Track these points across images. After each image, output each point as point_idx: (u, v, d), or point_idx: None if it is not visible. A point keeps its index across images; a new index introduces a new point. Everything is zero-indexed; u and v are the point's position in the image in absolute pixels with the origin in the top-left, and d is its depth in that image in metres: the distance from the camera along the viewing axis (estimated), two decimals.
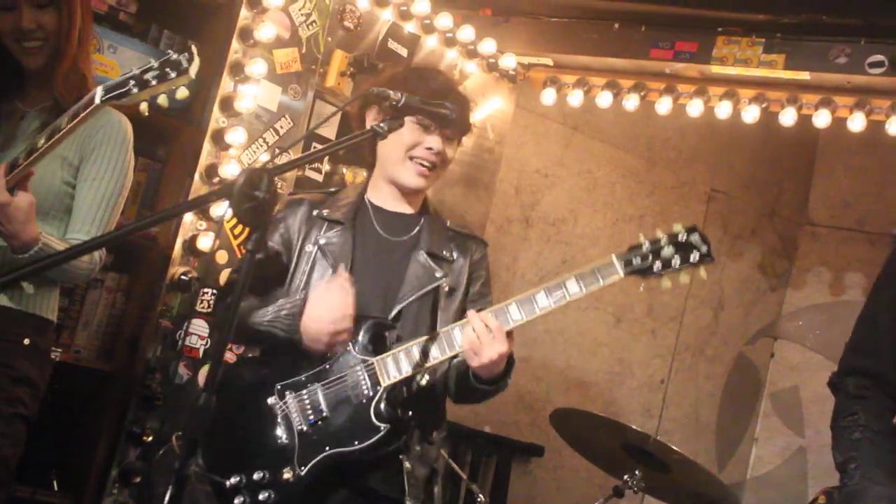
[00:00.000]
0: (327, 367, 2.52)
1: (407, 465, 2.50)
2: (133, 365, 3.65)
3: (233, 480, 2.45)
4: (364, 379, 2.47)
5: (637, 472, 3.63)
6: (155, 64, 2.29)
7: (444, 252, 2.66)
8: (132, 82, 2.30)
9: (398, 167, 2.65)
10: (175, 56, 2.29)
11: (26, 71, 2.70)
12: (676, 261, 2.35)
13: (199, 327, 3.73)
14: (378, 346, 2.52)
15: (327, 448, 2.45)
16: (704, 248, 2.35)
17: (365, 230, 2.66)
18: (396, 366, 2.47)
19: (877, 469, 2.29)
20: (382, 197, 2.72)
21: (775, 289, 5.55)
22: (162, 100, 2.34)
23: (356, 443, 2.44)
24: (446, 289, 2.62)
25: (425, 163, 2.63)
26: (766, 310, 5.53)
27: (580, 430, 3.88)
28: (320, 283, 2.56)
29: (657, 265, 2.36)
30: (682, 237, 2.36)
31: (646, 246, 2.38)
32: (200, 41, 3.89)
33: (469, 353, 2.42)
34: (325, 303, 2.47)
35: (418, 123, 2.60)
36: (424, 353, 2.45)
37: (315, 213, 2.68)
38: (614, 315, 5.13)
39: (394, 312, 2.56)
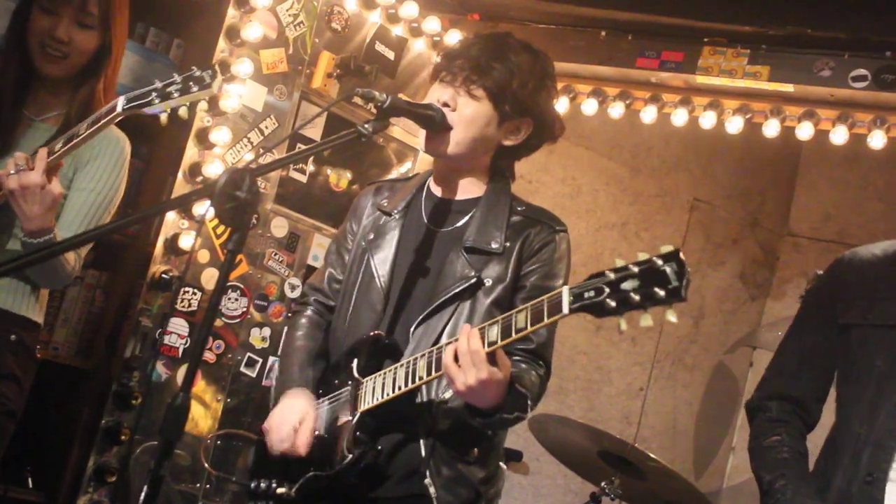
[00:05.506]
0: (336, 382, 2.36)
1: (432, 490, 2.23)
2: (111, 363, 3.63)
3: (252, 485, 2.37)
4: (350, 401, 2.29)
5: (614, 480, 3.64)
6: (178, 78, 2.39)
7: (493, 244, 2.33)
8: (154, 94, 2.39)
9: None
10: (199, 72, 2.39)
11: (41, 78, 2.72)
12: (635, 297, 1.84)
13: (179, 326, 3.71)
14: (379, 363, 2.30)
15: (312, 469, 2.29)
16: (674, 283, 1.81)
17: (412, 220, 2.44)
18: (378, 390, 2.24)
19: (807, 487, 2.34)
20: (436, 180, 2.47)
21: (755, 298, 5.57)
22: (182, 112, 2.41)
23: (327, 468, 2.26)
24: (488, 283, 2.31)
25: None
26: (746, 319, 5.56)
27: (558, 437, 3.89)
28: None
29: (610, 302, 1.86)
30: (656, 265, 1.83)
31: (608, 276, 1.88)
32: (187, 39, 3.88)
33: (446, 376, 2.10)
34: (281, 419, 2.31)
35: (440, 81, 2.36)
36: (412, 374, 2.18)
37: (375, 201, 2.50)
38: (594, 322, 5.13)
39: (429, 310, 2.30)
